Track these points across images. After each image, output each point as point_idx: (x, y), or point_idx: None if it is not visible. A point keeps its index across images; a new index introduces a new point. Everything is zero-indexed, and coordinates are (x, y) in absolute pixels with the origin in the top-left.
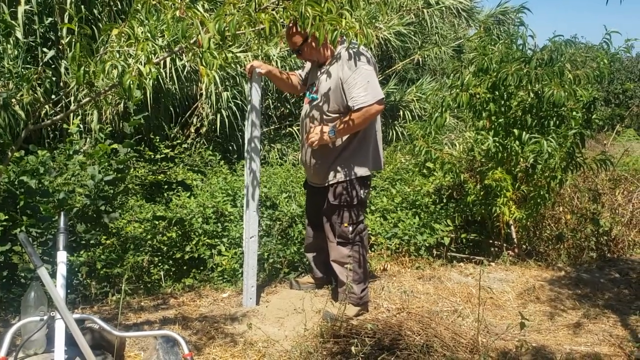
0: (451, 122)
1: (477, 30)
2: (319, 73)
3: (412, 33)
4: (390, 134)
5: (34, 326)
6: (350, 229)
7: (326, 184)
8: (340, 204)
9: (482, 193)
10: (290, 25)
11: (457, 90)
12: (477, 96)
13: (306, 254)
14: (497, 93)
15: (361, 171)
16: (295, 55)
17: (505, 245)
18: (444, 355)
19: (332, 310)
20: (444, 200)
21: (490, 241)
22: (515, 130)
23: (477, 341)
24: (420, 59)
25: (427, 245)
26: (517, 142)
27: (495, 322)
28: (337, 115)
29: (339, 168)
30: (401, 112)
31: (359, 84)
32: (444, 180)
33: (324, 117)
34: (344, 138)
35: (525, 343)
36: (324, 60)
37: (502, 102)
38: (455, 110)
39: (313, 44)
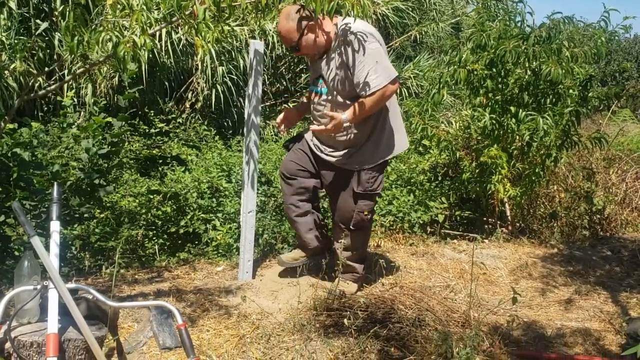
0: (448, 99)
1: (476, 6)
2: (323, 63)
3: (410, 9)
4: None
5: (28, 295)
6: (370, 217)
7: (352, 169)
8: (364, 191)
9: (477, 171)
10: (282, 21)
11: (455, 66)
12: (475, 73)
13: (297, 221)
14: (494, 70)
15: (388, 154)
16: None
17: (499, 222)
18: (436, 329)
19: (334, 287)
20: (439, 178)
21: (485, 219)
22: (512, 108)
23: (469, 315)
24: (418, 36)
25: (421, 222)
26: (514, 120)
27: (487, 297)
28: (351, 101)
29: (366, 151)
30: (398, 89)
31: (367, 66)
32: (439, 158)
33: (340, 108)
34: (372, 120)
35: (516, 318)
36: (325, 48)
37: (500, 79)
38: (453, 88)
39: (310, 35)
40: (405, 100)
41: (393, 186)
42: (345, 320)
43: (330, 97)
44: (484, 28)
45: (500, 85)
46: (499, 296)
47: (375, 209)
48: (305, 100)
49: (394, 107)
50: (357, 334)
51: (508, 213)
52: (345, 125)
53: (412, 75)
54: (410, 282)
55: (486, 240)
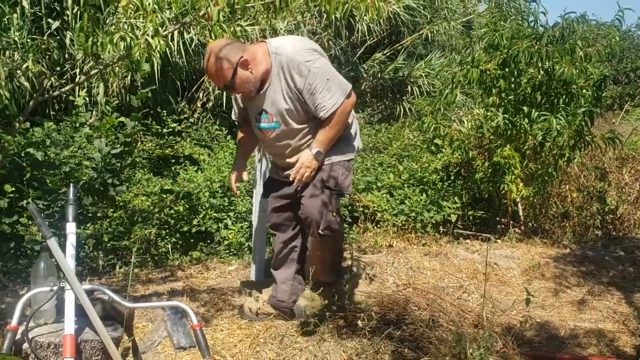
0: (460, 98)
1: (488, 5)
2: (263, 97)
3: (422, 7)
4: (398, 109)
5: (44, 296)
6: (338, 218)
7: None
8: (335, 187)
9: (490, 170)
10: (211, 60)
11: (468, 66)
12: (488, 72)
13: (274, 273)
14: (507, 70)
15: (353, 150)
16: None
17: (511, 222)
18: (450, 330)
19: (301, 303)
20: (452, 177)
21: (497, 218)
22: (525, 108)
23: (483, 316)
24: (429, 34)
25: (433, 222)
26: (526, 120)
27: (500, 298)
28: (309, 124)
29: (337, 146)
30: (409, 88)
31: (319, 86)
32: (452, 157)
33: (297, 135)
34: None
35: (529, 319)
36: (262, 80)
37: (512, 79)
38: (466, 87)
39: (243, 71)
40: (417, 99)
41: (405, 185)
42: (359, 322)
43: (284, 128)
44: (496, 28)
45: (513, 85)
46: (512, 297)
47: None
48: (242, 141)
49: None
50: (371, 335)
51: (521, 213)
52: (318, 158)
53: (423, 74)
54: (423, 283)
55: (499, 240)
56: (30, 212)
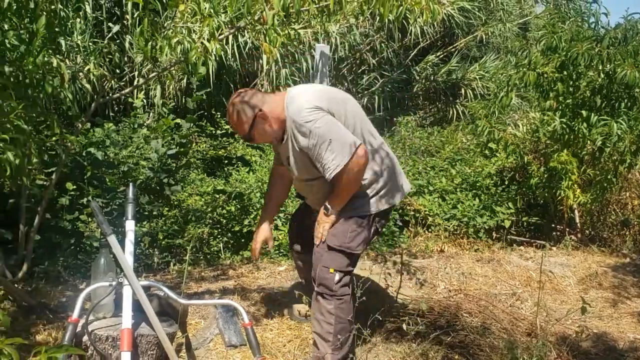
0: (515, 101)
1: (546, 6)
2: (285, 146)
3: (476, 9)
4: (451, 112)
5: (104, 291)
6: (338, 279)
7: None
8: (338, 246)
9: (546, 176)
10: (231, 114)
11: (524, 69)
12: (545, 75)
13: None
14: (565, 73)
15: (374, 206)
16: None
17: (568, 229)
18: (501, 338)
19: None
20: (506, 182)
21: (553, 225)
22: (584, 112)
23: (536, 325)
24: (484, 36)
25: (486, 227)
26: (585, 124)
27: (555, 306)
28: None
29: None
30: (463, 91)
31: (322, 148)
32: (506, 162)
33: (317, 183)
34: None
35: (585, 329)
36: (282, 131)
37: (571, 82)
38: (522, 90)
39: (261, 125)
40: (471, 103)
41: (458, 190)
42: (404, 326)
43: (303, 177)
44: (555, 30)
45: (571, 89)
46: (567, 306)
47: (350, 280)
48: (273, 181)
49: (384, 158)
50: (420, 340)
51: (577, 220)
52: (332, 216)
53: (477, 77)
54: (474, 289)
55: (554, 248)
56: (92, 209)
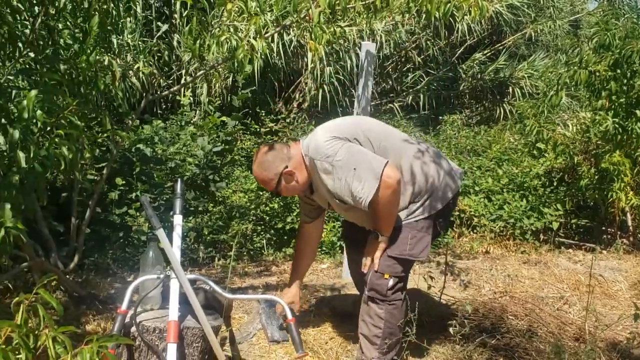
0: (565, 101)
1: (599, 3)
2: (315, 196)
3: (526, 6)
4: (498, 111)
5: (151, 284)
6: (391, 282)
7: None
8: (399, 255)
9: (596, 177)
10: (257, 172)
11: (575, 67)
12: (597, 74)
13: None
14: (619, 71)
15: (415, 215)
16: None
17: (619, 232)
18: (548, 342)
19: None
20: (555, 183)
21: (603, 228)
22: (638, 111)
23: (585, 330)
24: (533, 34)
25: (533, 229)
26: (639, 124)
27: (605, 311)
28: None
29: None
30: (510, 89)
31: (348, 180)
32: (555, 162)
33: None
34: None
35: (637, 335)
36: (307, 187)
37: (624, 80)
38: (572, 89)
39: (286, 183)
40: (519, 102)
41: (504, 190)
42: (451, 329)
43: (349, 208)
44: (608, 27)
45: (625, 88)
46: (618, 311)
47: (404, 285)
48: (305, 242)
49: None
50: (464, 341)
51: (630, 223)
52: (382, 241)
53: (526, 75)
54: (521, 292)
55: (604, 251)
56: (142, 203)
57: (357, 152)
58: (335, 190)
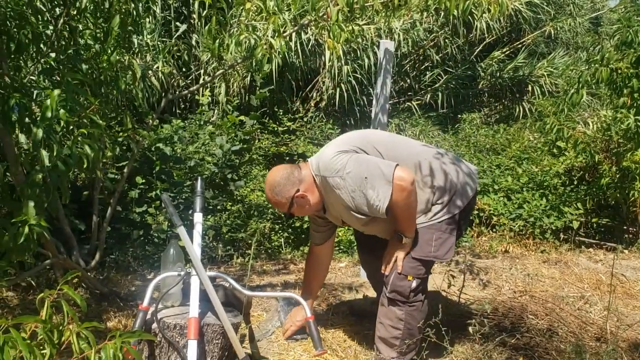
0: (585, 99)
1: (620, 0)
2: (334, 215)
3: (545, 3)
4: (517, 110)
5: (172, 281)
6: (414, 284)
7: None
8: (424, 256)
9: (618, 176)
10: (268, 194)
11: (596, 65)
12: (619, 71)
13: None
14: None
15: (437, 217)
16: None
17: None
18: (569, 342)
19: None
20: (575, 182)
21: (625, 227)
22: None
23: (606, 330)
24: (553, 31)
25: (553, 228)
26: None
27: (627, 312)
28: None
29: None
30: (530, 88)
31: (362, 189)
32: (575, 161)
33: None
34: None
35: None
36: (319, 207)
37: None
38: (593, 87)
39: (299, 206)
40: (539, 100)
41: (524, 189)
42: (470, 328)
43: (364, 223)
44: (630, 23)
45: None
46: None
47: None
48: (315, 265)
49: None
50: (483, 340)
51: None
52: (405, 242)
53: (545, 73)
54: (541, 291)
55: (626, 251)
56: (163, 201)
57: (365, 161)
58: (352, 203)
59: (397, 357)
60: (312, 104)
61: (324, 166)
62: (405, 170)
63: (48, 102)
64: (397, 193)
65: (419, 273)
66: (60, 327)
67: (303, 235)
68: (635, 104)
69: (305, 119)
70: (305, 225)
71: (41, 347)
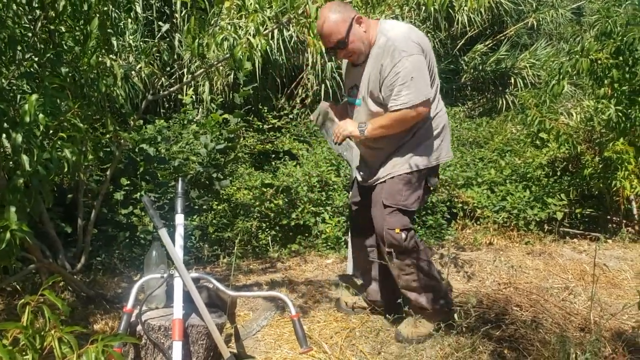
0: (568, 90)
1: None
2: (362, 71)
3: None
4: (500, 102)
5: (156, 283)
6: (406, 236)
7: (379, 181)
8: (393, 205)
9: (600, 166)
10: (326, 15)
11: (577, 55)
12: (599, 62)
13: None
14: (621, 59)
15: (424, 162)
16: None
17: (624, 221)
18: (553, 332)
19: (402, 330)
20: (558, 173)
21: (608, 217)
22: None
23: (590, 320)
24: (535, 23)
25: (537, 219)
26: None
27: (610, 301)
28: (384, 109)
29: (396, 159)
30: (512, 80)
31: (401, 79)
32: (558, 152)
33: (370, 118)
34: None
35: None
36: (368, 49)
37: (627, 68)
38: (574, 78)
39: (358, 27)
40: (521, 92)
41: (507, 181)
42: (456, 315)
43: (364, 107)
44: (609, 14)
45: (627, 75)
46: (624, 300)
47: (414, 230)
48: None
49: (440, 116)
50: (469, 333)
51: (635, 211)
52: (360, 131)
53: (528, 65)
54: (525, 283)
55: (610, 240)
56: (144, 203)
57: (423, 69)
58: (386, 79)
59: (425, 297)
60: (298, 101)
61: (401, 35)
62: (428, 110)
63: (26, 107)
64: (411, 111)
65: (403, 223)
66: (42, 332)
67: (291, 233)
68: (615, 94)
69: (290, 116)
70: (292, 223)
71: (24, 353)
